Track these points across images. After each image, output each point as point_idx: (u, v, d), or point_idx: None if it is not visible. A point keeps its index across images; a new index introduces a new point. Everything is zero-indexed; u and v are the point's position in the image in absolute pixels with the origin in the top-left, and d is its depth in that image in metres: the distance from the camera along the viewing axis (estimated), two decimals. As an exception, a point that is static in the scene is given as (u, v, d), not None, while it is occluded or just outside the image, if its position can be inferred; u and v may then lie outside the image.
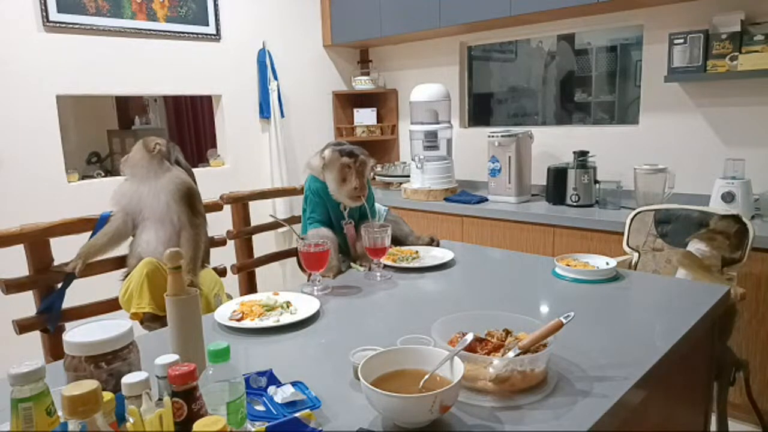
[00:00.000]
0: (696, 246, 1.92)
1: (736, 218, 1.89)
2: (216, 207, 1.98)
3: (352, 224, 1.87)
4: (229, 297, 1.71)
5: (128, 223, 1.74)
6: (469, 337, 1.01)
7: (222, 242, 2.00)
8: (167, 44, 3.04)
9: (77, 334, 0.91)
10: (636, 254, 2.12)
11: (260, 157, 3.54)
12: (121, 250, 1.70)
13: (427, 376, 0.91)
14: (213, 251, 1.94)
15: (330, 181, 1.78)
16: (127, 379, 0.79)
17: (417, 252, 1.89)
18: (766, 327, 2.16)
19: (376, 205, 1.99)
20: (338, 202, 1.83)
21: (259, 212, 2.22)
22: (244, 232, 2.03)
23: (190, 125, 5.76)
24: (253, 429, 0.83)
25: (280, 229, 2.98)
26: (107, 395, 0.74)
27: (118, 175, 3.14)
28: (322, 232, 1.77)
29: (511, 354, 1.00)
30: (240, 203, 2.05)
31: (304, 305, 1.44)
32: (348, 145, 1.81)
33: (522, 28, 3.29)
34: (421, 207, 3.14)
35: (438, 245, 2.01)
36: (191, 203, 1.79)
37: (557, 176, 2.87)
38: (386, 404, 0.86)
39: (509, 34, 3.40)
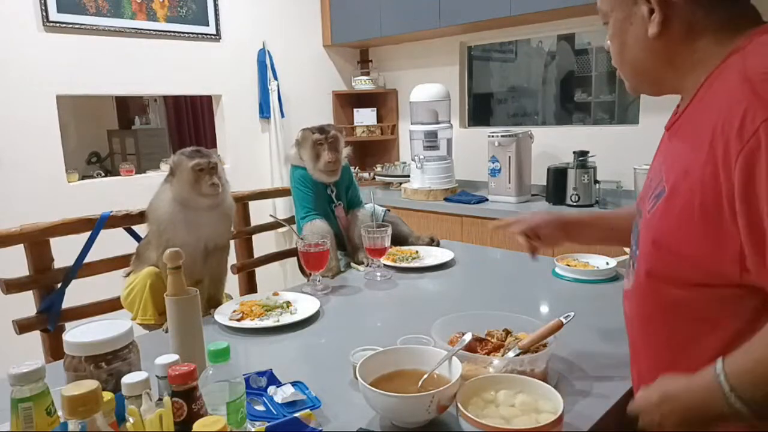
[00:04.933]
0: None
1: None
2: (216, 207, 1.97)
3: (342, 206, 1.92)
4: (229, 297, 1.71)
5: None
6: (467, 337, 1.01)
7: (222, 242, 2.00)
8: (167, 44, 3.04)
9: (77, 334, 0.92)
10: (636, 254, 2.11)
11: (260, 157, 3.54)
12: (121, 250, 1.69)
13: (425, 376, 0.91)
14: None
15: (307, 161, 1.85)
16: (127, 379, 0.79)
17: (417, 252, 1.89)
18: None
19: (376, 206, 2.00)
20: (325, 185, 1.88)
21: (259, 212, 2.22)
22: (244, 232, 2.03)
23: (190, 125, 5.76)
24: (253, 429, 0.84)
25: (280, 229, 2.98)
26: (107, 395, 0.74)
27: (118, 174, 3.15)
28: (318, 227, 1.79)
29: (511, 354, 1.00)
30: (240, 203, 2.04)
31: (304, 305, 1.44)
32: (319, 125, 1.88)
33: (522, 28, 3.29)
34: (421, 207, 3.14)
35: (438, 245, 2.01)
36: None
37: (557, 176, 2.87)
38: (383, 403, 0.86)
39: (509, 34, 3.40)
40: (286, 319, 1.36)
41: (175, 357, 0.83)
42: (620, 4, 0.86)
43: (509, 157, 2.93)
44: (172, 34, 3.04)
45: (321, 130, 1.84)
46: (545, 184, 2.97)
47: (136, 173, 3.20)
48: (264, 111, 3.48)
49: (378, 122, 4.01)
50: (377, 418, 0.91)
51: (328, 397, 0.96)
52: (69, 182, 2.78)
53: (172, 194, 1.47)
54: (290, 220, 2.11)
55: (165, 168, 3.38)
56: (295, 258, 1.97)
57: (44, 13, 2.59)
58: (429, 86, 3.23)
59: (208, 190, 1.45)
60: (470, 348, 1.02)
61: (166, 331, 1.12)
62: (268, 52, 3.46)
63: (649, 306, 0.85)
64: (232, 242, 2.02)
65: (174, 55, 3.07)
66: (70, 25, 2.68)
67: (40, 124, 2.64)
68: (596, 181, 2.80)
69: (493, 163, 2.99)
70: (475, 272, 1.79)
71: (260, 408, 0.92)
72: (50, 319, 1.48)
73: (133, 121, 5.92)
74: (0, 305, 1.65)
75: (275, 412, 0.90)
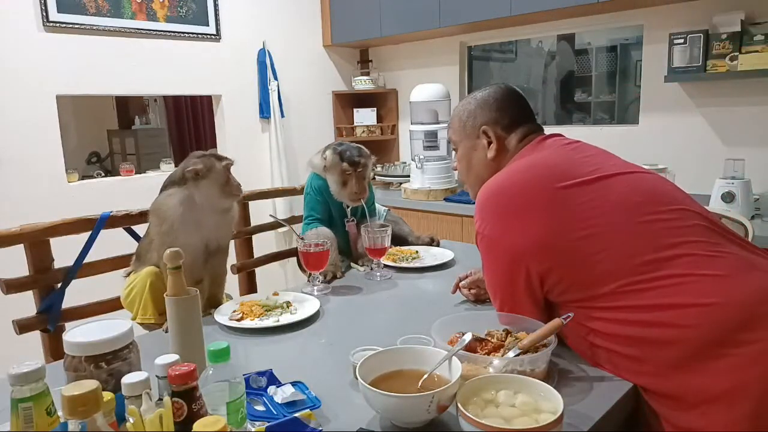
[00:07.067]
0: None
1: None
2: (216, 207, 1.97)
3: (354, 222, 1.89)
4: (229, 297, 1.71)
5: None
6: (467, 337, 1.01)
7: (222, 242, 1.99)
8: (167, 44, 3.04)
9: (77, 334, 0.92)
10: (636, 254, 2.11)
11: (260, 157, 3.54)
12: (121, 250, 1.69)
13: (425, 376, 0.91)
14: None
15: (331, 183, 1.82)
16: (127, 379, 0.79)
17: (417, 252, 1.89)
18: (766, 327, 2.16)
19: (377, 205, 2.00)
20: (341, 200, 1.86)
21: (259, 212, 2.22)
22: (244, 232, 2.03)
23: (190, 125, 5.76)
24: (253, 429, 0.84)
25: (280, 229, 2.98)
26: (107, 395, 0.74)
27: (118, 174, 3.15)
28: (323, 232, 1.78)
29: (511, 354, 1.00)
30: (240, 203, 2.04)
31: (304, 305, 1.44)
32: (348, 147, 1.82)
33: (522, 28, 3.29)
34: (421, 207, 3.14)
35: (438, 245, 2.01)
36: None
37: (557, 176, 2.86)
38: (383, 403, 0.86)
39: (509, 34, 3.40)
40: (286, 319, 1.36)
41: (175, 357, 0.83)
42: (467, 138, 1.29)
43: (509, 157, 2.93)
44: (172, 34, 3.04)
45: (351, 162, 1.77)
46: (545, 184, 2.97)
47: (136, 173, 3.20)
48: (264, 111, 3.48)
49: (378, 122, 4.01)
50: (377, 418, 0.91)
51: (328, 397, 0.96)
52: (69, 182, 2.78)
53: (183, 196, 1.44)
54: (290, 220, 2.11)
55: (165, 168, 3.38)
56: (295, 258, 1.97)
57: (44, 13, 2.59)
58: (429, 86, 3.23)
59: (236, 190, 1.49)
60: (470, 348, 1.02)
61: (166, 331, 1.12)
62: (268, 52, 3.45)
63: None
64: (231, 242, 2.02)
65: (174, 55, 3.07)
66: (70, 25, 2.67)
67: (40, 124, 2.64)
68: (596, 181, 2.80)
69: (493, 163, 2.99)
70: (475, 272, 1.78)
71: (260, 408, 0.92)
72: (50, 319, 1.48)
73: (133, 121, 5.92)
74: (0, 305, 1.65)
75: (275, 412, 0.90)
